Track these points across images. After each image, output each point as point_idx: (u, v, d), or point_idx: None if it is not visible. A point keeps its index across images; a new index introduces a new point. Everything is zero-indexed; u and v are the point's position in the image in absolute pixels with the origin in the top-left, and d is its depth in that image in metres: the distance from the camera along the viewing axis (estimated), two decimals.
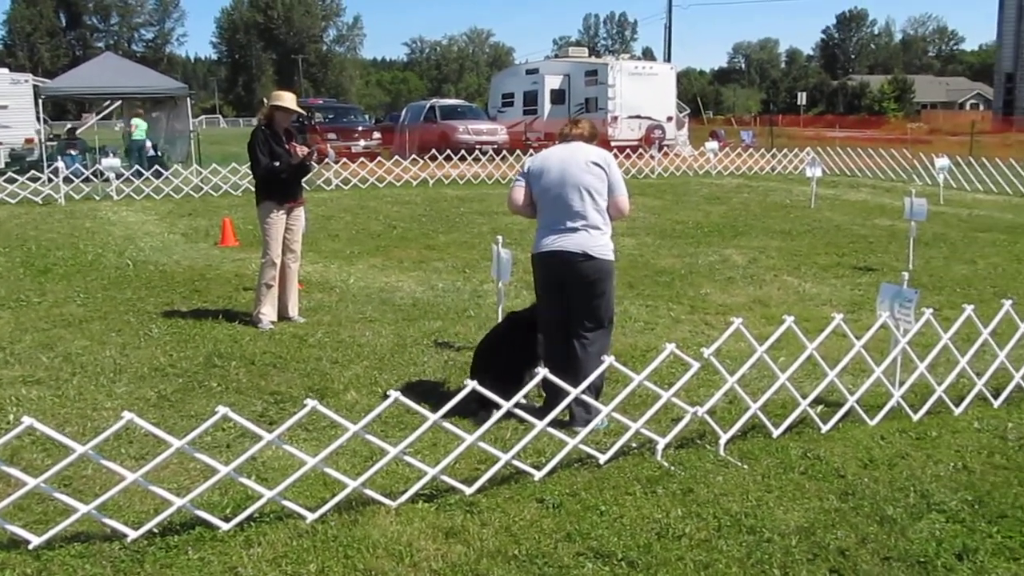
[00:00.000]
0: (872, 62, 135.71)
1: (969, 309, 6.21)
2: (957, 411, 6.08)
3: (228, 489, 4.73)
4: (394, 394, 4.51)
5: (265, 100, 8.49)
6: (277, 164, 8.19)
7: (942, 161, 19.19)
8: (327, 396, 6.40)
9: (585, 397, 5.19)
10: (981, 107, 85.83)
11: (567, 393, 5.07)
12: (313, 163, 8.93)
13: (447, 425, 4.76)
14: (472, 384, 4.68)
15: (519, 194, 5.96)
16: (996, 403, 6.24)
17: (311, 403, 4.37)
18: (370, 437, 4.61)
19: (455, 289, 10.07)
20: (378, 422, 5.68)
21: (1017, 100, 51.86)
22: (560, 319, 5.93)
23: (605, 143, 29.61)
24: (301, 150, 8.35)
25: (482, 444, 4.82)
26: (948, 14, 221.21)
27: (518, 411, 4.86)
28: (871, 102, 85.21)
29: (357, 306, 9.20)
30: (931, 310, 6.09)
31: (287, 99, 8.33)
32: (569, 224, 5.75)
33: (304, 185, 8.94)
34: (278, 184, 8.29)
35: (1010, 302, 6.41)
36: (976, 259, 12.21)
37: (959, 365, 6.15)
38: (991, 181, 22.03)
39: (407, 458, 4.71)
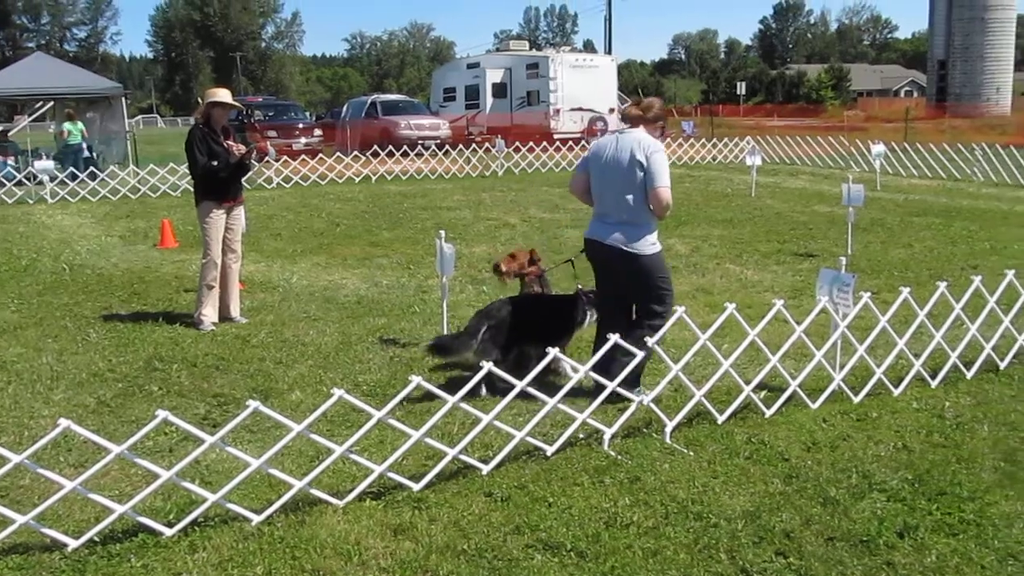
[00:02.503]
0: (809, 51, 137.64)
1: (906, 292, 6.33)
2: (896, 392, 6.19)
3: (171, 494, 4.65)
4: (338, 392, 4.47)
5: (200, 100, 8.34)
6: (216, 163, 8.07)
7: (878, 148, 19.54)
8: (271, 396, 6.33)
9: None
10: (915, 94, 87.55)
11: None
12: (253, 161, 8.81)
13: (392, 422, 4.73)
14: (418, 379, 4.65)
15: (578, 178, 6.26)
16: (934, 383, 6.37)
17: (253, 404, 4.31)
18: (314, 436, 4.57)
19: (400, 285, 10.02)
20: (324, 421, 5.64)
21: (949, 86, 52.94)
22: (609, 298, 6.23)
23: (548, 136, 29.65)
24: (240, 148, 8.24)
25: (429, 440, 4.80)
26: (882, 3, 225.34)
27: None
28: (809, 91, 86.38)
29: (300, 305, 9.11)
30: (869, 294, 6.21)
31: (223, 95, 8.21)
32: (612, 218, 5.98)
33: (245, 184, 8.82)
34: (217, 183, 8.17)
35: (945, 284, 6.54)
36: (912, 243, 12.46)
37: (897, 347, 6.27)
38: (926, 166, 22.49)
39: (353, 456, 4.67)
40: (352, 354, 7.37)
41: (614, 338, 5.30)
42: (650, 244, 5.95)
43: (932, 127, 38.79)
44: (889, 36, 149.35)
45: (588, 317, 6.59)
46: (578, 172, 6.27)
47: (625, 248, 5.90)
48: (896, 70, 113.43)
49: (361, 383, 6.64)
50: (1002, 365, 6.70)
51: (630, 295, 6.12)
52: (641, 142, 5.88)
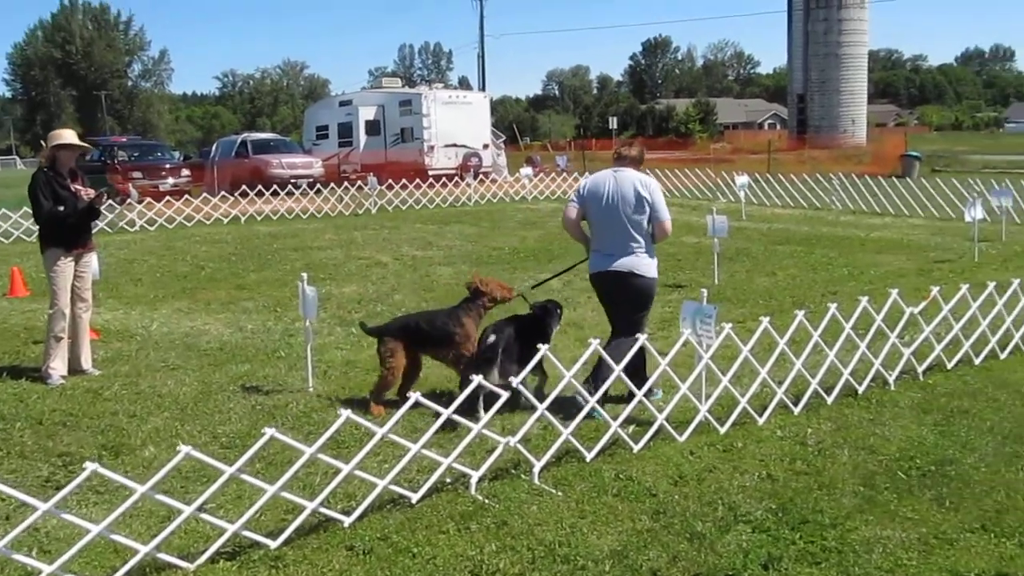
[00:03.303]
0: (677, 86, 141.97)
1: (765, 321, 6.43)
2: (761, 420, 6.27)
3: (4, 567, 4.30)
4: (184, 449, 4.21)
5: (44, 142, 7.92)
6: (62, 208, 7.68)
7: (742, 179, 20.17)
8: (122, 454, 5.99)
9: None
10: (778, 126, 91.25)
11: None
12: (114, 203, 8.41)
13: (246, 477, 4.49)
14: (272, 431, 4.43)
15: (573, 212, 6.79)
16: (796, 410, 6.48)
17: (91, 466, 4.02)
18: (161, 497, 4.30)
19: (265, 330, 9.70)
20: (178, 478, 5.37)
21: (809, 119, 55.33)
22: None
23: (422, 173, 29.56)
24: (88, 192, 7.87)
25: (286, 494, 4.58)
26: (744, 40, 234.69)
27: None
28: (678, 124, 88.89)
29: (159, 353, 8.71)
30: (730, 325, 6.27)
31: (67, 136, 7.83)
32: (619, 249, 6.60)
33: (106, 227, 8.41)
34: (64, 230, 7.78)
35: (803, 312, 6.69)
36: (776, 271, 12.80)
37: (760, 376, 6.35)
38: (788, 196, 23.29)
39: (205, 515, 4.41)
40: (212, 404, 7.06)
41: (477, 379, 5.33)
42: (654, 268, 6.75)
43: (794, 158, 40.35)
44: (752, 71, 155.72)
45: (556, 327, 7.13)
46: (572, 205, 6.80)
47: (636, 272, 6.60)
48: (759, 103, 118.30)
49: (220, 435, 6.35)
50: (860, 389, 6.87)
51: (623, 310, 6.75)
52: (642, 180, 6.65)
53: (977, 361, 7.62)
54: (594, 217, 6.71)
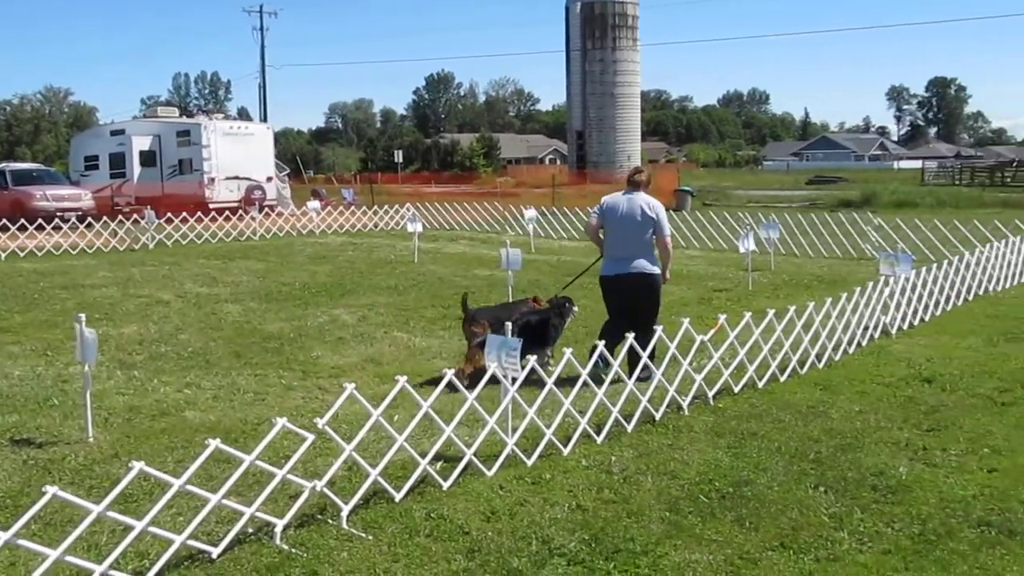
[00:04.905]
0: (461, 121, 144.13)
1: (568, 352, 6.51)
2: (566, 451, 6.32)
3: None
4: None
5: None
6: None
7: (530, 212, 20.64)
8: None
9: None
10: (558, 161, 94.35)
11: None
12: None
13: (22, 542, 4.04)
14: (54, 490, 4.02)
15: (595, 221, 8.52)
16: (599, 439, 6.58)
17: None
18: None
19: (35, 376, 8.89)
20: None
21: (588, 155, 57.39)
22: (618, 315, 8.43)
23: (203, 206, 28.47)
24: None
25: (70, 558, 4.15)
26: (524, 78, 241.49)
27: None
28: (462, 158, 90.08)
29: None
30: (534, 357, 6.29)
31: None
32: (630, 255, 8.24)
33: None
34: None
35: (603, 343, 6.83)
36: None
37: (563, 407, 6.41)
38: (573, 229, 23.99)
39: None
40: None
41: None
42: (658, 270, 8.34)
43: (575, 192, 41.72)
44: (532, 108, 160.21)
45: (569, 317, 9.05)
46: (595, 215, 8.51)
47: (646, 271, 8.24)
48: (540, 139, 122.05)
49: None
50: (657, 415, 7.08)
51: (639, 307, 8.23)
52: (649, 203, 8.31)
53: (760, 384, 8.04)
54: (611, 228, 8.34)
